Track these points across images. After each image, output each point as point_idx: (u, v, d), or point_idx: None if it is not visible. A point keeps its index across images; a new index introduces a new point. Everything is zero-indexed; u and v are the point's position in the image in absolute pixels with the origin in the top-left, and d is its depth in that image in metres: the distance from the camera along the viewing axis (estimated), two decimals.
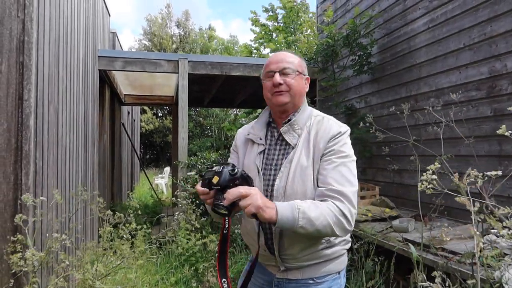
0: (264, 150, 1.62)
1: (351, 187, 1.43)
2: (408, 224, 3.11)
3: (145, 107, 22.26)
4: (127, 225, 3.47)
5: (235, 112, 24.16)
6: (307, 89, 1.65)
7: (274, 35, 11.08)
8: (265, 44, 11.12)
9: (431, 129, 3.57)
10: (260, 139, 1.64)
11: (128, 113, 11.38)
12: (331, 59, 5.11)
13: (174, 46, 25.26)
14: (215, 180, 1.34)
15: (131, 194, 10.56)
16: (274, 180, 1.53)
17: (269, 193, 1.52)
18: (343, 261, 1.56)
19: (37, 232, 2.88)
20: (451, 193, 1.66)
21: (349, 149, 1.52)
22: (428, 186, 1.50)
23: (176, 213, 5.04)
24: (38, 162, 2.93)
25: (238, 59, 6.21)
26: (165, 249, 5.00)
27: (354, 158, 1.54)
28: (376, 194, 4.34)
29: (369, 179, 4.87)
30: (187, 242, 4.66)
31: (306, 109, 1.64)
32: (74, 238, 3.65)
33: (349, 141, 1.55)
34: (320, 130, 1.54)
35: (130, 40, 54.19)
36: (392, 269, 2.72)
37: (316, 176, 1.47)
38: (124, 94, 9.01)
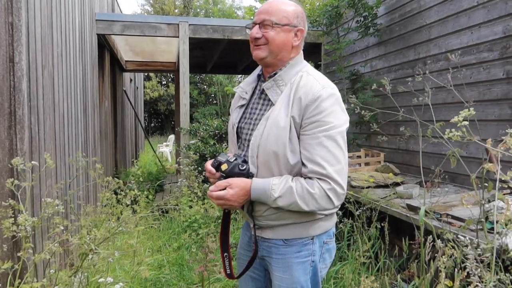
0: (245, 105, 1.58)
1: (338, 164, 1.36)
2: (413, 190, 3.04)
3: (150, 74, 22.02)
4: (129, 191, 3.44)
5: (239, 80, 23.86)
6: (297, 42, 1.51)
7: None
8: None
9: (440, 93, 3.43)
10: (246, 93, 1.59)
11: (131, 80, 11.23)
12: (336, 22, 4.91)
13: (177, 11, 24.69)
14: (223, 167, 1.44)
15: (136, 162, 10.58)
16: (250, 135, 1.49)
17: (244, 149, 1.51)
18: (320, 227, 1.48)
19: (35, 198, 2.85)
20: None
21: (334, 117, 1.38)
22: (457, 134, 1.41)
23: (179, 180, 5.03)
24: (33, 127, 2.86)
25: (240, 22, 6.01)
26: (167, 215, 5.01)
27: (343, 125, 1.41)
28: (381, 161, 4.27)
29: (374, 145, 4.78)
30: (190, 208, 4.65)
31: (296, 64, 1.51)
32: (75, 204, 3.63)
33: (335, 105, 1.40)
34: (300, 88, 1.43)
35: (133, 6, 53.06)
36: (386, 233, 2.68)
37: (290, 138, 1.40)
38: (126, 61, 8.85)
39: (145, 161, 12.05)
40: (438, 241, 1.77)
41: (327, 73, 5.74)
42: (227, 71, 11.23)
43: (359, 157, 4.55)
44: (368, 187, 3.52)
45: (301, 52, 1.57)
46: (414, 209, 2.67)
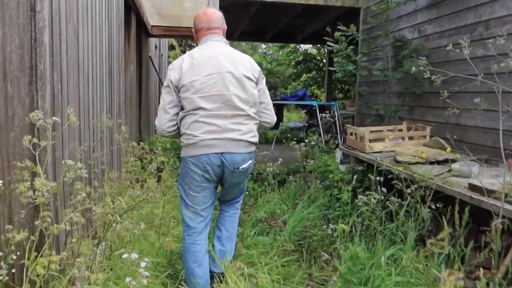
0: None
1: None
2: (473, 168, 2.70)
3: (174, 43, 21.67)
4: (155, 158, 3.23)
5: (264, 50, 23.27)
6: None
7: None
8: None
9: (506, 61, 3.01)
10: None
11: (156, 47, 10.93)
12: None
13: None
14: None
15: None
16: None
17: None
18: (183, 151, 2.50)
19: (57, 161, 2.65)
20: None
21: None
22: None
23: None
24: (56, 85, 2.63)
25: None
26: None
27: (165, 82, 2.50)
28: (427, 135, 3.90)
29: (417, 118, 4.40)
30: None
31: None
32: (99, 169, 3.44)
33: (167, 71, 2.55)
34: None
35: None
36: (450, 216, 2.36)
37: None
38: (152, 25, 8.52)
39: None
40: None
41: (366, 41, 5.28)
42: (255, 38, 10.73)
43: (400, 130, 4.21)
44: (416, 163, 3.20)
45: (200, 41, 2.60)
46: (477, 189, 2.34)
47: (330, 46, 4.45)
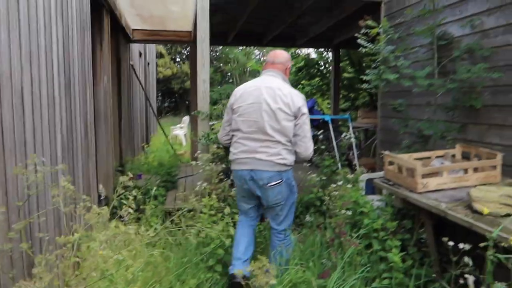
0: None
1: None
2: None
3: (162, 51, 20.63)
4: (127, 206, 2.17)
5: (256, 57, 22.30)
6: None
7: None
8: None
9: None
10: None
11: (140, 54, 9.87)
12: None
13: None
14: None
15: (146, 147, 9.34)
16: None
17: None
18: None
19: None
20: None
21: None
22: None
23: (199, 183, 3.71)
24: None
25: None
26: (180, 229, 3.67)
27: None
28: (497, 165, 2.86)
29: (473, 139, 3.37)
30: (214, 224, 3.32)
31: None
32: (34, 240, 2.34)
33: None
34: None
35: None
36: None
37: None
38: (132, 29, 7.46)
39: (157, 146, 10.82)
40: None
41: (392, 42, 4.23)
42: (252, 42, 9.58)
43: (453, 156, 3.17)
44: (507, 215, 2.17)
45: None
46: None
47: (365, 47, 3.41)
